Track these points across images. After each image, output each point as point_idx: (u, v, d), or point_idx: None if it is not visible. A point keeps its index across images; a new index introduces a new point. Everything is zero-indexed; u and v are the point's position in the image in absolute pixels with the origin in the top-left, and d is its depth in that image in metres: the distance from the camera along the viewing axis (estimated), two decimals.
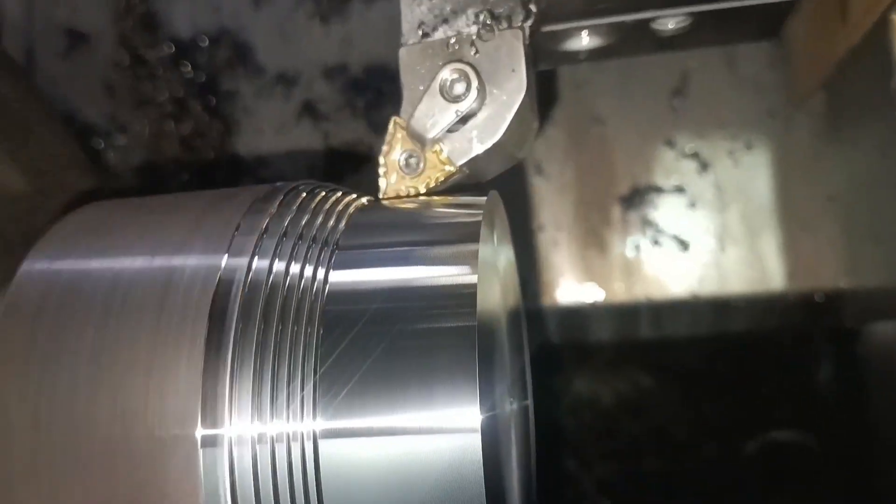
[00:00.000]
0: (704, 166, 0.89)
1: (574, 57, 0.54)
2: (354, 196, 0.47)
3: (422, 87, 0.46)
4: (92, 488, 0.42)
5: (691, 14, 0.51)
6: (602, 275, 0.89)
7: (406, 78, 0.46)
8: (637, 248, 0.89)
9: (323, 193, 0.46)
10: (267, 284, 0.42)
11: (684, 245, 0.89)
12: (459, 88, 0.46)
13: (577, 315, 0.96)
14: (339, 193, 0.46)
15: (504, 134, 0.46)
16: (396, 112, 0.46)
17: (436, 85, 0.45)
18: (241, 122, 0.95)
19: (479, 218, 0.42)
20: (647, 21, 0.51)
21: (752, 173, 0.89)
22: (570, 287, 0.90)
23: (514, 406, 0.48)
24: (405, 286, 0.41)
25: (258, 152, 0.94)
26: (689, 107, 0.89)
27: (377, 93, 0.94)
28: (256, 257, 0.42)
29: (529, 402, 0.54)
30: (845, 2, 0.71)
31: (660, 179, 0.90)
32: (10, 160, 0.53)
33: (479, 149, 0.46)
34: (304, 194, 0.45)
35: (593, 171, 0.91)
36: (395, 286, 0.41)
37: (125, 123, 0.92)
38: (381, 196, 0.48)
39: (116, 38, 0.95)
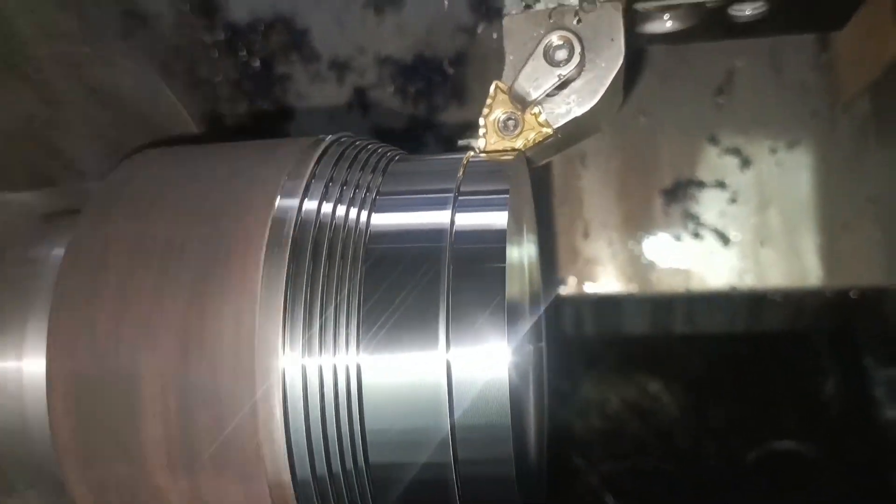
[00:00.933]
0: (746, 163, 0.91)
1: (652, 39, 0.56)
2: (390, 148, 0.49)
3: (524, 53, 0.48)
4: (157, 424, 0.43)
5: (770, 0, 0.54)
6: (641, 265, 0.91)
7: (509, 45, 0.48)
8: (678, 239, 0.91)
9: (363, 144, 0.48)
10: (315, 225, 0.44)
11: (724, 239, 0.91)
12: (562, 54, 0.48)
13: (612, 305, 0.98)
14: (378, 146, 0.49)
15: (600, 99, 0.48)
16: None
17: (540, 49, 0.48)
18: (295, 107, 0.96)
19: (509, 169, 0.45)
20: (726, 6, 0.53)
21: (793, 172, 0.90)
22: (608, 277, 0.92)
23: (532, 347, 0.50)
24: (439, 228, 0.42)
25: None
26: (734, 104, 0.91)
27: (428, 82, 0.96)
28: (306, 200, 0.44)
29: (543, 344, 0.57)
30: None
31: (702, 174, 0.91)
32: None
33: (576, 112, 0.48)
34: (346, 145, 0.48)
35: (637, 163, 0.93)
36: (429, 228, 0.42)
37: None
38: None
39: (173, 21, 0.96)
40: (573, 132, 0.51)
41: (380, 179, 0.46)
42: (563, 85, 0.48)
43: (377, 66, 0.95)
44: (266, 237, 0.43)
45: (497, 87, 0.48)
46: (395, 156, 0.50)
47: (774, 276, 0.91)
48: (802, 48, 0.92)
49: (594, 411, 1.01)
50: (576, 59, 0.47)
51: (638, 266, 0.92)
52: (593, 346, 1.04)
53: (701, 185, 0.92)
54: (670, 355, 1.00)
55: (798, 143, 0.90)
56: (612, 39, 0.47)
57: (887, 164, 0.84)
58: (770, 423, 0.99)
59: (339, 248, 0.43)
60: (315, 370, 0.42)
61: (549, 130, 0.48)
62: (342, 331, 0.42)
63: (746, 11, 0.55)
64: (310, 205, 0.44)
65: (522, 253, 0.49)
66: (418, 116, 0.96)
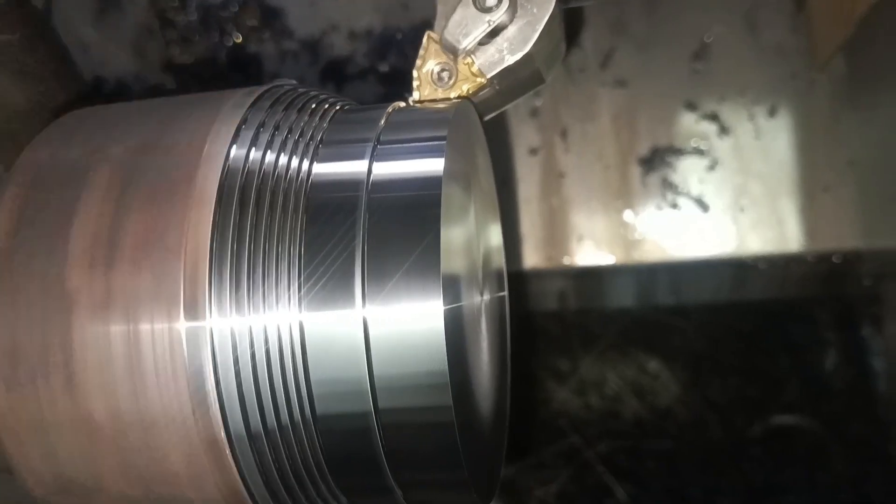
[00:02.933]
0: (725, 129, 0.90)
1: None
2: (340, 98, 0.49)
3: (454, 1, 0.47)
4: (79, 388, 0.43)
5: None
6: (620, 235, 0.90)
7: None
8: (658, 208, 0.90)
9: (306, 92, 0.47)
10: (243, 172, 0.43)
11: (704, 207, 0.90)
12: (492, 1, 0.47)
13: (594, 277, 0.97)
14: (324, 95, 0.48)
15: (533, 46, 0.47)
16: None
17: None
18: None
19: (449, 116, 0.45)
20: None
21: (772, 137, 0.89)
22: (589, 247, 0.91)
23: (486, 297, 0.50)
24: (378, 180, 0.42)
25: None
26: (711, 70, 0.90)
27: (402, 54, 0.95)
28: (235, 146, 0.43)
29: (505, 294, 0.56)
30: None
31: (680, 142, 0.90)
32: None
33: (509, 60, 0.48)
34: (286, 92, 0.47)
35: (614, 132, 0.92)
36: (365, 178, 0.42)
37: (155, 85, 0.94)
38: None
39: (147, 3, 0.96)
40: (513, 83, 0.50)
41: (317, 125, 0.46)
42: (494, 32, 0.48)
43: (350, 41, 0.95)
44: (195, 188, 0.42)
45: (429, 37, 0.48)
46: (345, 105, 0.49)
47: (756, 243, 0.90)
48: (779, 9, 0.91)
49: (592, 390, 1.01)
50: (505, 4, 0.46)
51: (618, 237, 0.91)
52: (586, 323, 1.04)
53: (679, 152, 0.91)
54: (659, 329, 0.99)
55: (777, 108, 0.89)
56: None
57: (864, 125, 0.83)
58: (770, 397, 0.98)
59: (268, 198, 0.43)
60: (247, 329, 0.42)
61: (484, 80, 0.48)
62: (277, 286, 0.42)
63: None
64: (239, 152, 0.43)
65: (469, 203, 0.48)
66: (393, 90, 0.95)
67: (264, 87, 0.47)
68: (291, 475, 0.43)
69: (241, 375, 0.41)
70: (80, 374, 0.42)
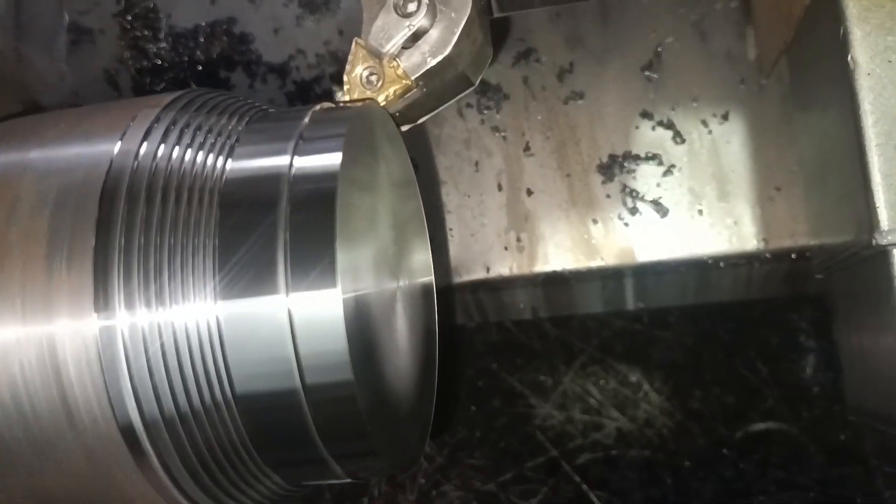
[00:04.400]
0: (679, 135, 0.93)
1: (531, 2, 0.58)
2: (257, 104, 0.52)
3: (378, 8, 0.51)
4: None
5: None
6: (584, 240, 0.93)
7: (365, 2, 0.51)
8: (619, 216, 0.93)
9: (222, 97, 0.50)
10: (152, 170, 0.45)
11: (663, 211, 0.93)
12: (412, 6, 0.51)
13: (562, 282, 0.99)
14: (242, 100, 0.51)
15: (453, 48, 0.51)
16: None
17: (390, 3, 0.50)
18: None
19: (350, 113, 0.48)
20: None
21: (725, 141, 0.92)
22: (554, 254, 0.94)
23: (403, 283, 0.53)
24: (278, 172, 0.45)
25: None
26: (664, 79, 0.94)
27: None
28: (145, 143, 0.46)
29: (431, 279, 0.58)
30: None
31: (637, 149, 0.93)
32: None
33: (431, 62, 0.51)
34: (201, 95, 0.50)
35: (574, 141, 0.95)
36: (270, 173, 0.45)
37: None
38: None
39: (118, 33, 1.01)
40: (439, 85, 0.53)
41: (234, 126, 0.49)
42: (416, 37, 0.51)
43: (317, 64, 0.98)
44: (102, 183, 0.45)
45: (356, 43, 0.51)
46: (263, 109, 0.52)
47: (715, 243, 0.93)
48: (726, 18, 0.94)
49: (572, 403, 1.03)
50: (423, 9, 0.50)
51: (582, 242, 0.94)
52: (544, 326, 1.06)
53: (637, 159, 0.94)
54: (636, 339, 1.02)
55: (728, 113, 0.92)
56: None
57: (812, 126, 0.85)
58: (749, 403, 1.00)
59: (185, 192, 0.45)
60: (159, 321, 0.44)
61: (409, 82, 0.51)
62: (192, 276, 0.44)
63: None
64: (148, 148, 0.46)
65: (380, 197, 0.51)
66: None
67: (181, 92, 0.50)
68: (210, 457, 0.45)
69: (153, 365, 0.43)
70: None
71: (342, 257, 0.43)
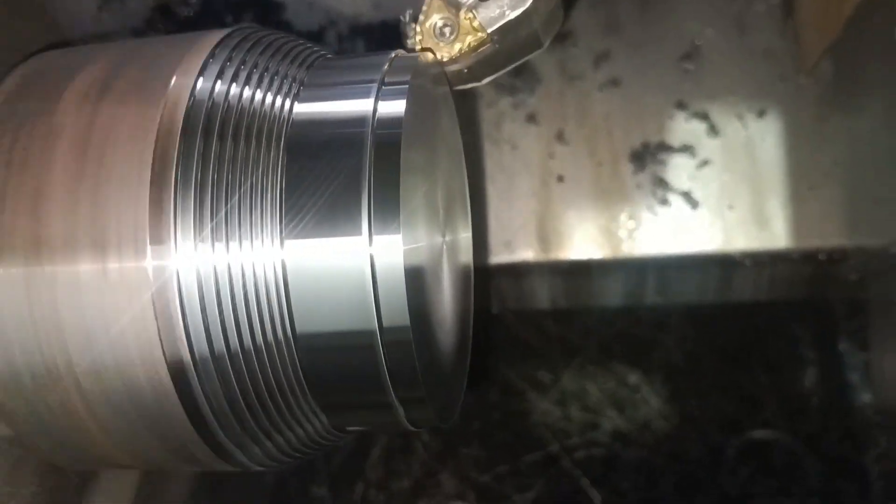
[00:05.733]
0: (714, 128, 0.92)
1: None
2: (318, 48, 0.51)
3: None
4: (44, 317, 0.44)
5: None
6: (611, 230, 0.92)
7: None
8: (648, 207, 0.92)
9: (280, 36, 0.49)
10: (209, 105, 0.44)
11: (693, 203, 0.92)
12: None
13: (584, 273, 0.98)
14: (302, 43, 0.50)
15: (532, 3, 0.49)
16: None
17: None
18: None
19: (415, 62, 0.48)
20: None
21: (760, 137, 0.91)
22: (579, 243, 0.93)
23: (448, 240, 0.53)
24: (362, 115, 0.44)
25: None
26: (701, 71, 0.93)
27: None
28: (202, 79, 0.44)
29: (468, 235, 0.59)
30: None
31: (670, 140, 0.92)
32: None
33: (509, 15, 0.50)
34: (258, 32, 0.49)
35: (606, 130, 0.94)
36: (357, 117, 0.44)
37: None
38: None
39: None
40: (512, 43, 0.52)
41: (296, 67, 0.47)
42: None
43: (350, 34, 0.97)
44: (158, 117, 0.43)
45: None
46: (324, 54, 0.51)
47: (743, 239, 0.92)
48: (768, 14, 0.93)
49: (573, 400, 1.02)
50: None
51: (608, 232, 0.92)
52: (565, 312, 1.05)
53: (669, 150, 0.93)
54: (647, 341, 1.01)
55: (765, 109, 0.91)
56: None
57: (850, 127, 0.85)
58: (749, 411, 1.00)
59: (243, 131, 0.44)
60: (220, 264, 0.43)
61: (484, 35, 0.50)
62: (254, 218, 0.43)
63: None
64: (205, 84, 0.44)
65: (438, 159, 0.50)
66: None
67: (235, 27, 0.48)
68: (257, 400, 0.44)
69: (209, 301, 0.42)
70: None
71: (409, 207, 0.43)
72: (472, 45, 0.50)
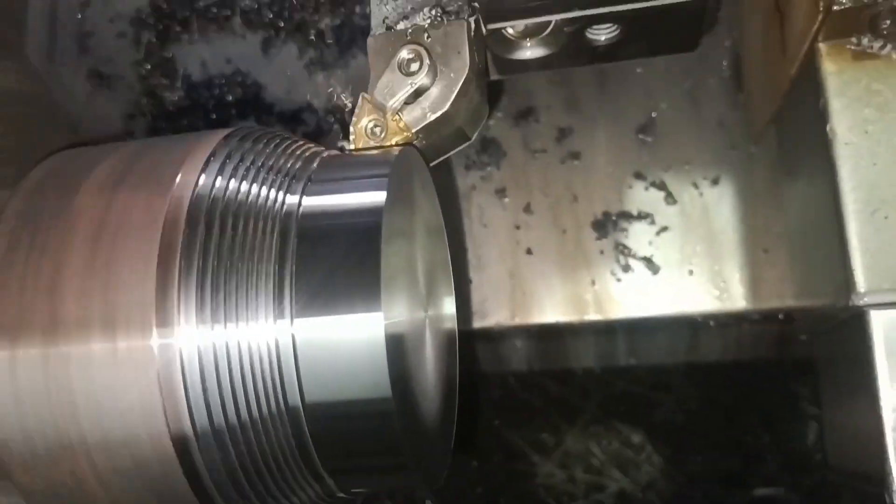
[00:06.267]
0: (671, 196, 0.96)
1: (526, 66, 0.63)
2: (317, 146, 0.56)
3: (384, 67, 0.55)
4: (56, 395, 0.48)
5: (617, 23, 0.60)
6: (577, 295, 0.96)
7: (373, 60, 0.56)
8: (611, 272, 0.96)
9: (282, 135, 0.55)
10: (210, 197, 0.49)
11: (654, 268, 0.96)
12: (415, 66, 0.55)
13: (556, 335, 1.02)
14: (302, 141, 0.55)
15: (451, 105, 0.55)
16: None
17: (395, 62, 0.55)
18: None
19: (393, 156, 0.53)
20: (581, 32, 0.60)
21: (715, 204, 0.96)
22: (547, 310, 0.97)
23: (430, 313, 0.57)
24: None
25: None
26: (657, 142, 0.97)
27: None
28: (204, 174, 0.50)
29: (453, 309, 0.63)
30: (784, 33, 0.79)
31: (630, 208, 0.97)
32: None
33: (430, 117, 0.55)
34: (262, 133, 0.54)
35: (570, 200, 0.98)
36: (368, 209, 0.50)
37: None
38: None
39: (136, 80, 1.05)
40: (437, 139, 0.57)
41: (301, 163, 0.53)
42: (418, 94, 0.55)
43: (326, 117, 1.03)
44: (164, 212, 0.48)
45: (363, 97, 0.55)
46: (323, 152, 0.57)
47: (705, 302, 0.95)
48: (719, 87, 0.98)
49: (575, 463, 1.04)
50: (425, 69, 0.54)
51: (575, 297, 0.96)
52: (534, 381, 1.08)
53: (629, 217, 0.97)
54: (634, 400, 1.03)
55: (719, 177, 0.96)
56: (459, 52, 0.54)
57: (799, 192, 0.89)
58: (750, 469, 1.01)
59: (241, 221, 0.49)
60: (219, 341, 0.47)
61: (410, 134, 0.55)
62: (250, 300, 0.48)
63: (602, 37, 0.61)
64: (208, 179, 0.50)
65: (418, 240, 0.56)
66: None
67: (235, 128, 0.54)
68: (259, 469, 0.48)
69: (210, 379, 0.47)
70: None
71: (397, 286, 0.48)
72: (399, 143, 0.55)
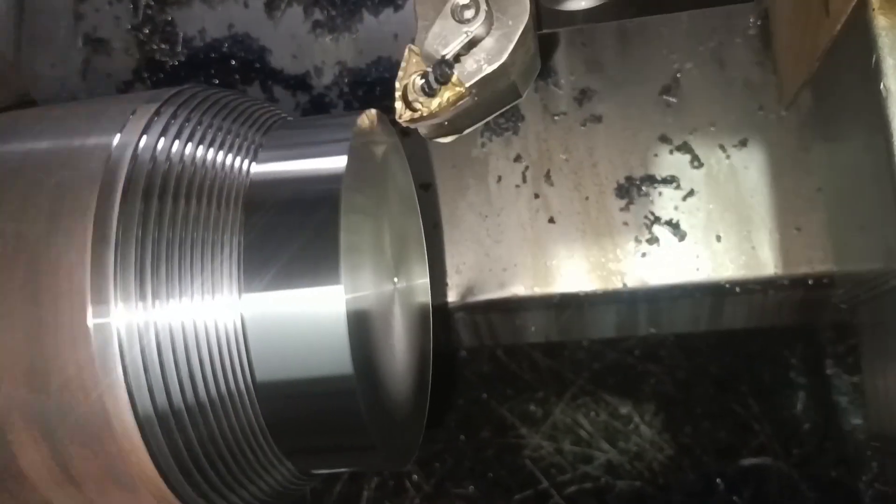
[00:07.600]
0: (697, 160, 0.93)
1: (572, 19, 0.59)
2: (275, 109, 0.52)
3: (434, 15, 0.50)
4: None
5: None
6: (599, 263, 0.93)
7: (420, 8, 0.51)
8: (635, 238, 0.93)
9: (234, 96, 0.51)
10: (153, 163, 0.45)
11: (680, 234, 0.93)
12: (469, 13, 0.51)
13: (575, 303, 0.99)
14: (259, 103, 0.51)
15: (508, 57, 0.50)
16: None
17: (448, 9, 0.50)
18: None
19: (355, 117, 0.51)
20: None
21: (743, 166, 0.93)
22: (567, 276, 0.94)
23: (401, 284, 0.55)
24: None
25: None
26: (682, 104, 0.94)
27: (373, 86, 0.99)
28: (145, 136, 0.46)
29: (425, 281, 0.61)
30: None
31: (655, 172, 0.94)
32: None
33: (486, 69, 0.51)
34: (208, 91, 0.50)
35: (591, 164, 0.95)
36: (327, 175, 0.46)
37: None
38: (396, 118, 0.53)
39: (134, 46, 1.00)
40: (490, 95, 0.53)
41: (256, 127, 0.49)
42: (472, 44, 0.51)
43: (335, 79, 0.98)
44: (99, 182, 0.44)
45: (410, 50, 0.51)
46: (282, 115, 0.53)
47: (732, 268, 0.93)
48: (746, 46, 0.95)
49: (564, 434, 1.03)
50: (481, 16, 0.49)
51: (597, 265, 0.93)
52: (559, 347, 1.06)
53: (654, 182, 0.94)
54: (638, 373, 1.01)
55: (746, 140, 0.93)
56: None
57: (832, 155, 0.86)
58: (741, 439, 1.00)
59: (184, 189, 0.45)
60: (161, 321, 0.44)
61: (463, 89, 0.51)
62: (201, 274, 0.44)
63: None
64: (149, 141, 0.46)
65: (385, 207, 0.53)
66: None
67: (181, 87, 0.50)
68: (215, 451, 0.45)
69: (151, 359, 0.43)
70: None
71: (361, 257, 0.45)
72: (451, 99, 0.51)
